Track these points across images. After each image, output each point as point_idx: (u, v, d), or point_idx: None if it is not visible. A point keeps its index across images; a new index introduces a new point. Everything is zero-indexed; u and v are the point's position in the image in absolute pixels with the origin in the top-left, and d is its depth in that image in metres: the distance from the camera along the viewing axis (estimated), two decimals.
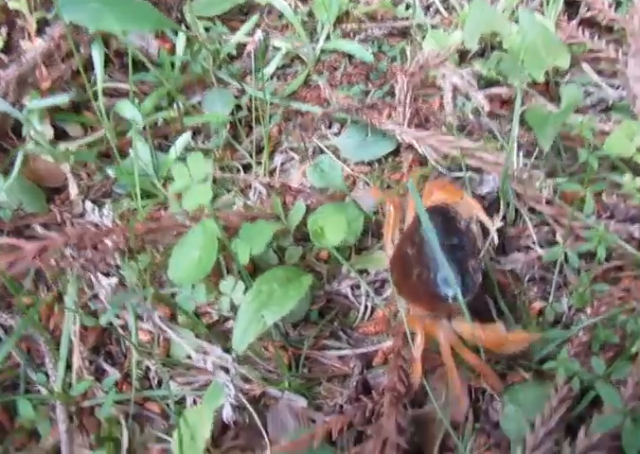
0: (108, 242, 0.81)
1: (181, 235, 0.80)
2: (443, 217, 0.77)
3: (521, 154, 0.96)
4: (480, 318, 0.71)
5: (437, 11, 1.38)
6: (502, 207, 0.92)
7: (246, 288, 0.75)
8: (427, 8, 1.40)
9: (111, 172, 0.96)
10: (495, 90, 1.09)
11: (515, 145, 0.93)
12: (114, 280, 0.83)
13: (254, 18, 1.25)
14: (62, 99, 1.00)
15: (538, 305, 0.84)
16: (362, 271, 0.89)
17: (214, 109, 1.10)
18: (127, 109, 0.97)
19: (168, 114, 1.08)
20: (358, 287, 0.90)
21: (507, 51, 1.14)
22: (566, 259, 0.87)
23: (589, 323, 0.76)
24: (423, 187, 0.87)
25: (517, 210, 0.93)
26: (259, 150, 1.06)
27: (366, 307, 0.86)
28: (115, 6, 0.86)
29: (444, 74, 1.12)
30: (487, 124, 1.06)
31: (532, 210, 0.94)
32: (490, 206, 0.92)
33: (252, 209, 0.93)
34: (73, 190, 1.00)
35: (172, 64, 1.18)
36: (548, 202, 0.93)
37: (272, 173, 1.05)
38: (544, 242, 0.92)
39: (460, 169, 0.97)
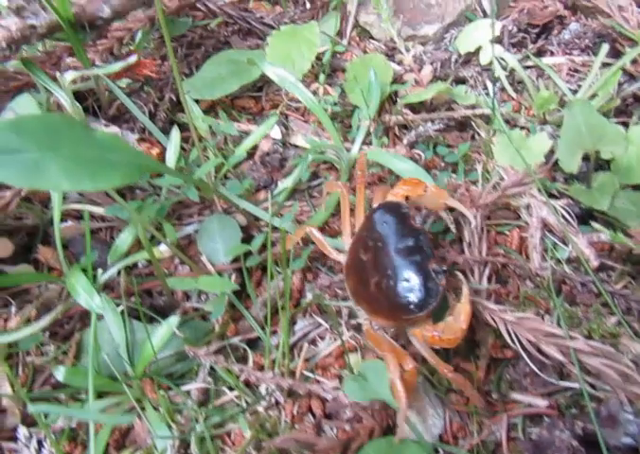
0: None
1: None
2: (395, 214, 0.67)
3: None
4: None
5: (503, 89, 1.08)
6: None
7: None
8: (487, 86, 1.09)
9: (59, 375, 0.66)
10: (605, 236, 0.78)
11: None
12: None
13: (272, 118, 0.93)
14: None
15: None
16: None
17: (213, 249, 0.81)
18: (80, 284, 0.66)
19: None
20: None
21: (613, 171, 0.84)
22: None
23: None
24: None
25: None
26: (274, 311, 0.77)
27: None
28: (64, 154, 0.57)
29: (529, 204, 0.82)
30: (591, 282, 0.76)
31: None
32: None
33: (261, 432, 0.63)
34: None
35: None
36: None
37: (291, 350, 0.75)
38: None
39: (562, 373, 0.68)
